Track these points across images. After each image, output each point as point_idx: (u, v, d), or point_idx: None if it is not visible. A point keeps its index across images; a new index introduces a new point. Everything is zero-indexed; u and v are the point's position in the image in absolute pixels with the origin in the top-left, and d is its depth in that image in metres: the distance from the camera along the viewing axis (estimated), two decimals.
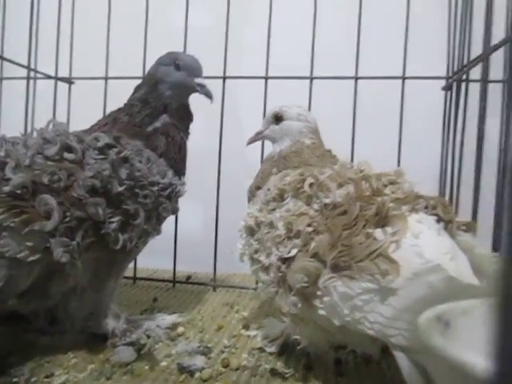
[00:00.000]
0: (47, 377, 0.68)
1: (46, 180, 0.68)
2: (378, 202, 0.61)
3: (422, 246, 0.54)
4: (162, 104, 0.92)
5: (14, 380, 0.67)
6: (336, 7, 1.33)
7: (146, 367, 0.73)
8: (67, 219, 0.67)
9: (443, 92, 1.15)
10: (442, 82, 1.15)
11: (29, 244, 0.65)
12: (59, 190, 0.68)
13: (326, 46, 1.18)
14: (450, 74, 1.11)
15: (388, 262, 0.53)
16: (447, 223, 0.61)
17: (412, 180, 0.70)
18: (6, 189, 0.65)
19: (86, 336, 0.81)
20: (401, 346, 0.51)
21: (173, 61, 0.93)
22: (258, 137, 1.01)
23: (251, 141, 1.02)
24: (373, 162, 0.75)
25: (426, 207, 0.63)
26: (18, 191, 0.65)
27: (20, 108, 1.21)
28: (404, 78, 1.12)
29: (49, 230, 0.65)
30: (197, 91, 0.94)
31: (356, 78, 1.13)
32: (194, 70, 0.94)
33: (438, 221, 0.61)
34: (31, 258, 0.65)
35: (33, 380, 0.67)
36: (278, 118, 0.95)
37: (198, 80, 0.93)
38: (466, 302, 0.45)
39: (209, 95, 0.94)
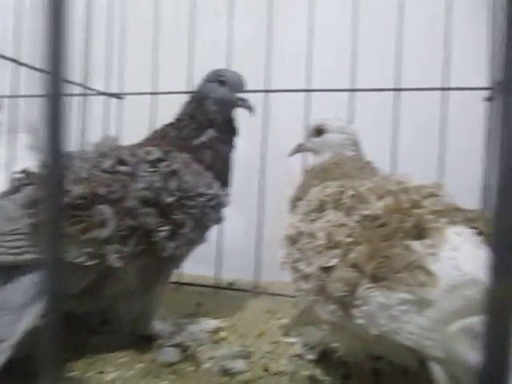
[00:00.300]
0: (99, 373, 0.74)
1: (102, 191, 0.73)
2: (417, 215, 0.62)
3: (459, 258, 0.55)
4: (208, 119, 0.97)
5: (70, 375, 0.72)
6: (376, 19, 1.34)
7: (190, 368, 0.77)
8: (121, 228, 0.73)
9: (485, 103, 1.13)
10: (484, 93, 1.13)
11: (86, 250, 0.70)
12: (114, 200, 0.74)
13: (367, 58, 1.19)
14: (493, 85, 1.09)
15: (425, 274, 0.54)
16: (487, 236, 0.61)
17: (453, 193, 0.70)
18: (66, 200, 0.71)
19: (134, 337, 0.86)
20: (436, 358, 0.52)
21: (217, 77, 0.98)
22: (300, 149, 1.04)
23: (293, 152, 1.05)
24: (413, 174, 0.75)
25: (466, 220, 0.63)
26: (77, 202, 0.71)
27: (73, 122, 1.30)
28: (444, 89, 1.11)
29: (104, 238, 0.71)
30: (239, 106, 0.98)
31: (398, 90, 1.13)
32: (236, 85, 0.98)
33: (478, 234, 0.61)
34: (88, 263, 0.71)
35: (86, 375, 0.72)
36: (319, 131, 0.98)
37: (239, 95, 0.97)
38: None
39: (250, 109, 0.98)
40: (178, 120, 0.98)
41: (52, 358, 0.19)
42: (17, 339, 0.63)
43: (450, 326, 0.42)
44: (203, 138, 0.96)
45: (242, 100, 0.98)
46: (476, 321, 0.43)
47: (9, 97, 1.47)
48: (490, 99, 1.11)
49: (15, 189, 0.77)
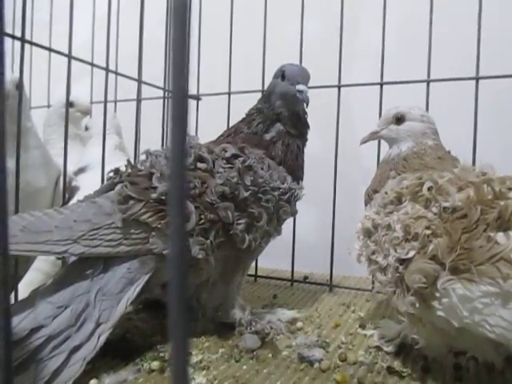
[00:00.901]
0: None
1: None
2: (501, 206, 0.60)
3: None
4: (274, 113, 0.99)
5: (161, 355, 0.78)
6: (452, 8, 1.28)
7: (270, 355, 0.80)
8: (202, 221, 0.77)
9: None
10: None
11: None
12: (195, 195, 0.79)
13: (443, 47, 1.14)
14: None
15: (510, 266, 0.53)
16: None
17: None
18: (154, 196, 0.77)
19: (216, 324, 0.91)
20: None
21: (281, 72, 0.99)
22: (373, 136, 0.99)
23: (365, 140, 1.00)
24: (497, 165, 0.73)
25: None
26: (163, 197, 0.77)
27: (155, 124, 1.38)
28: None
29: (188, 231, 0.76)
30: (297, 98, 0.96)
31: (477, 79, 1.08)
32: (296, 77, 0.97)
33: None
34: None
35: None
36: (399, 119, 0.93)
37: (298, 86, 0.95)
38: None
39: (305, 100, 0.96)
40: (248, 115, 1.02)
41: (181, 341, 0.22)
42: (114, 323, 0.70)
43: None
44: (272, 133, 0.98)
45: (300, 92, 0.95)
46: None
47: (99, 102, 1.60)
48: None
49: (109, 186, 0.85)
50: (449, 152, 0.91)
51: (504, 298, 0.53)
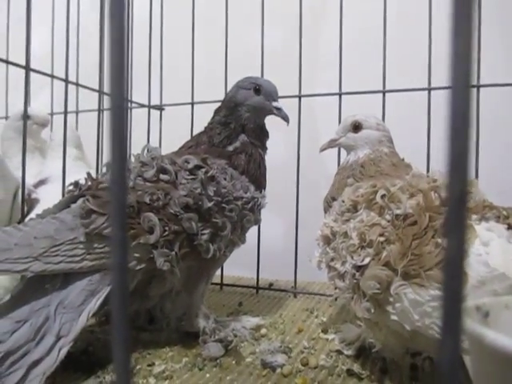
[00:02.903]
0: (149, 365, 0.79)
1: (147, 199, 0.79)
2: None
3: (489, 254, 0.56)
4: (241, 125, 1.01)
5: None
6: (403, 21, 1.34)
7: (233, 362, 0.81)
8: (166, 233, 0.78)
9: None
10: None
11: (136, 255, 0.76)
12: (158, 207, 0.79)
13: (397, 59, 1.19)
14: None
15: None
16: None
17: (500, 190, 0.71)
18: None
19: (180, 333, 0.91)
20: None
21: (252, 85, 1.01)
22: (332, 144, 1.02)
23: (324, 148, 1.03)
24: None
25: (498, 217, 0.64)
26: (126, 210, 0.77)
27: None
28: (479, 87, 1.09)
29: (152, 243, 0.76)
30: (274, 114, 1.02)
31: (429, 90, 1.13)
32: (272, 94, 1.02)
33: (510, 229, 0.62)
34: (138, 267, 0.77)
35: (137, 367, 0.78)
36: (356, 127, 0.97)
37: (275, 103, 1.01)
38: (509, 296, 0.46)
39: (285, 119, 1.02)
40: (210, 128, 1.02)
41: (122, 352, 0.23)
42: (74, 335, 0.70)
43: None
44: (236, 144, 1.00)
45: (278, 109, 1.01)
46: (486, 300, 0.44)
47: (58, 113, 1.58)
48: None
49: (69, 200, 0.84)
50: (403, 159, 0.95)
51: None
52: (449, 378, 0.20)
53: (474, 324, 0.34)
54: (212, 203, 0.83)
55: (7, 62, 0.94)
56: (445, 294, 0.20)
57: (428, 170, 1.08)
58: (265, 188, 1.03)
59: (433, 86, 1.13)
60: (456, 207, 0.20)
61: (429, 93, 1.13)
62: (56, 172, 1.11)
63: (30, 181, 1.15)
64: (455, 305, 0.20)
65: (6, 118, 1.62)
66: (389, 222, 0.71)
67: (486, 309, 0.42)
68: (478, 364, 0.36)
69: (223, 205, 0.85)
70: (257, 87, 1.01)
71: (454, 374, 0.20)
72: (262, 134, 1.04)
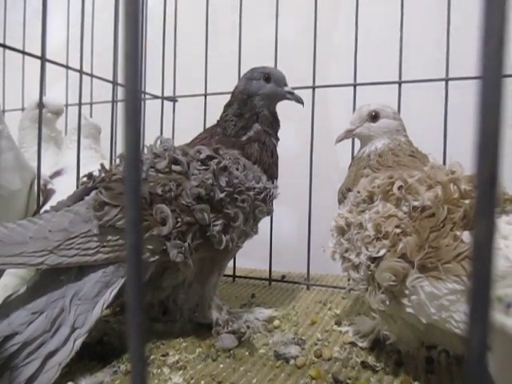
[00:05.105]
0: (163, 356, 0.80)
1: (159, 191, 0.79)
2: (466, 205, 0.63)
3: (509, 248, 0.54)
4: (255, 113, 1.01)
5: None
6: (423, 11, 1.31)
7: (246, 353, 0.81)
8: (179, 224, 0.78)
9: None
10: None
11: (149, 247, 0.76)
12: (171, 199, 0.79)
13: (415, 49, 1.17)
14: None
15: None
16: None
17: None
18: None
19: (194, 324, 0.91)
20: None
21: (262, 75, 1.01)
22: (349, 134, 0.99)
23: (341, 138, 1.00)
24: (465, 163, 0.74)
25: None
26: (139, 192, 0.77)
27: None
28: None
29: (165, 235, 0.76)
30: (288, 98, 1.02)
31: (446, 80, 1.11)
32: (282, 79, 1.03)
33: None
34: (152, 259, 0.77)
35: (151, 358, 0.79)
36: (374, 117, 0.94)
37: (286, 88, 1.02)
38: None
39: (300, 101, 1.02)
40: (224, 121, 1.01)
41: (138, 341, 0.23)
42: (89, 327, 0.70)
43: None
44: (250, 133, 1.00)
45: (291, 93, 1.02)
46: (508, 291, 0.43)
47: (73, 105, 1.59)
48: None
49: (82, 192, 0.84)
50: (418, 149, 0.93)
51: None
52: (477, 364, 0.19)
53: (496, 314, 0.33)
54: (224, 194, 0.82)
55: (23, 53, 0.94)
56: (473, 280, 0.19)
57: (444, 162, 1.06)
58: (277, 178, 1.03)
59: (450, 76, 1.11)
60: (486, 190, 0.19)
61: (446, 83, 1.11)
62: (71, 163, 1.12)
63: (46, 171, 1.16)
64: (484, 290, 0.19)
65: (23, 109, 1.63)
66: (405, 213, 0.69)
67: (508, 300, 0.41)
68: (499, 357, 0.35)
69: (235, 195, 0.85)
70: (266, 76, 1.01)
71: (483, 360, 0.19)
72: (274, 122, 1.05)
